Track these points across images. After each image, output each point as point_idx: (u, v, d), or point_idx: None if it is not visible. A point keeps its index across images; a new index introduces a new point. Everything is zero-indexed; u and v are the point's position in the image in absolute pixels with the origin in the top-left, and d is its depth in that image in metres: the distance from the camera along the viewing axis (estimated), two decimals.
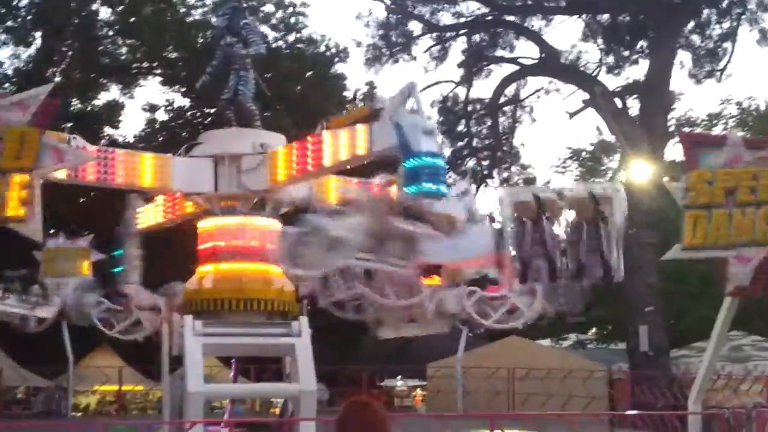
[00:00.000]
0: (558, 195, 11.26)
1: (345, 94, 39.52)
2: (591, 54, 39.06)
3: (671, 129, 36.78)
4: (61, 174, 13.29)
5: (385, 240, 10.87)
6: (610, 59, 37.05)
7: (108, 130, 38.22)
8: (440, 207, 11.18)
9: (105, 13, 37.93)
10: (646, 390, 22.80)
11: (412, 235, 10.96)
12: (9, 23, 36.15)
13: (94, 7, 37.38)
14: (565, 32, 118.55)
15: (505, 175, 40.94)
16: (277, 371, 18.16)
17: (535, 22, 37.69)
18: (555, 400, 24.26)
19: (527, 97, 40.79)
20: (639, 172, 29.06)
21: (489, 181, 39.98)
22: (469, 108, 40.58)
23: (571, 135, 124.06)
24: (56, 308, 19.56)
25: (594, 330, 41.46)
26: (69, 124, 32.67)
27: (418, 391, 32.30)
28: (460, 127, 41.04)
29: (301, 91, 36.83)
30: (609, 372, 26.20)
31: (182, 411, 13.78)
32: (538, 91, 40.05)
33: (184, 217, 16.07)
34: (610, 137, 39.12)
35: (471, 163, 40.49)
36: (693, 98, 78.38)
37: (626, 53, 36.57)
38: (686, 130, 38.18)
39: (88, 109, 38.41)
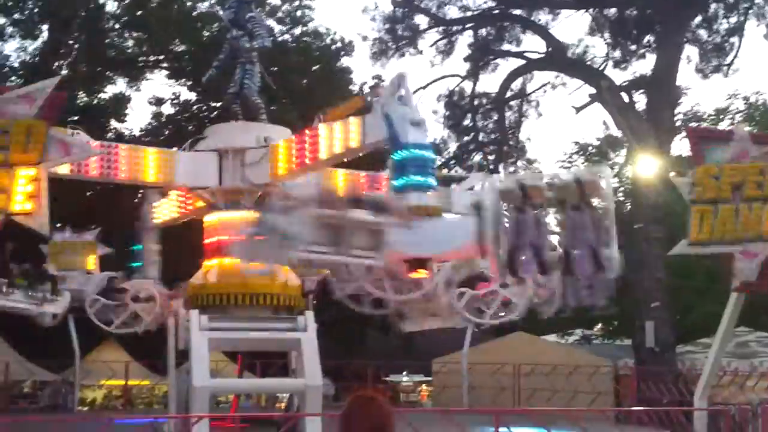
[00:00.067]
0: (544, 182, 10.62)
1: (351, 87, 39.50)
2: (598, 48, 38.96)
3: (678, 124, 36.71)
4: (64, 169, 13.30)
5: (343, 232, 10.67)
6: (617, 53, 36.93)
7: (114, 123, 38.27)
8: (416, 199, 10.91)
9: (112, 5, 38.01)
10: (652, 386, 22.74)
11: (374, 226, 10.72)
12: (16, 16, 36.14)
13: None
14: (572, 26, 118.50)
15: (512, 169, 40.88)
16: (283, 366, 18.18)
17: (542, 16, 37.59)
18: (561, 396, 24.19)
19: (534, 92, 40.74)
20: (645, 166, 28.97)
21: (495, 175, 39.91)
22: (476, 102, 40.52)
23: (577, 129, 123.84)
24: (66, 303, 19.57)
25: (600, 325, 41.41)
26: (75, 118, 32.71)
27: (424, 386, 32.30)
28: (467, 122, 41.03)
29: (307, 84, 36.82)
30: (615, 368, 26.13)
31: (188, 405, 13.79)
32: (544, 85, 39.98)
33: (196, 212, 16.06)
34: (616, 132, 39.07)
35: (477, 157, 40.46)
36: (700, 93, 77.95)
37: (633, 47, 36.44)
38: (693, 125, 38.16)
39: (95, 102, 38.42)
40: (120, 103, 38.70)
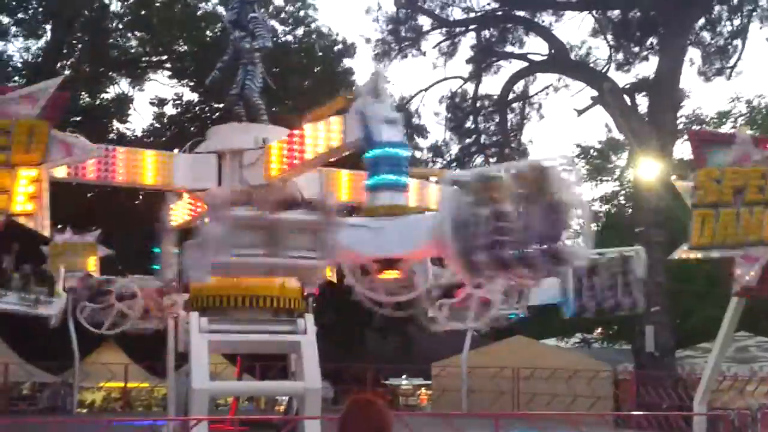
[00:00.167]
0: (503, 173, 9.42)
1: (353, 89, 39.43)
2: (600, 50, 39.03)
3: (680, 127, 36.65)
4: (61, 172, 13.25)
5: (277, 233, 10.57)
6: (620, 56, 36.98)
7: (116, 124, 38.24)
8: (389, 198, 10.66)
9: (115, 5, 38.05)
10: (652, 390, 22.71)
11: (313, 226, 10.56)
12: (20, 15, 36.16)
13: None
14: (575, 28, 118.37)
15: None
16: (283, 369, 18.15)
17: (545, 18, 37.66)
18: (560, 400, 24.20)
19: (536, 94, 40.82)
20: (647, 169, 28.94)
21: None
22: (478, 104, 40.55)
23: (579, 132, 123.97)
24: (62, 304, 19.56)
25: (599, 330, 41.35)
26: (77, 118, 32.72)
27: (423, 390, 32.27)
28: (469, 124, 41.03)
29: (310, 85, 36.79)
30: (614, 372, 26.08)
31: (187, 408, 13.75)
32: (546, 87, 40.06)
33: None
34: (618, 135, 39.04)
35: (479, 159, 40.47)
36: (702, 96, 77.90)
37: (636, 50, 36.46)
38: (695, 128, 38.08)
39: (97, 102, 38.43)
40: (122, 104, 38.69)
